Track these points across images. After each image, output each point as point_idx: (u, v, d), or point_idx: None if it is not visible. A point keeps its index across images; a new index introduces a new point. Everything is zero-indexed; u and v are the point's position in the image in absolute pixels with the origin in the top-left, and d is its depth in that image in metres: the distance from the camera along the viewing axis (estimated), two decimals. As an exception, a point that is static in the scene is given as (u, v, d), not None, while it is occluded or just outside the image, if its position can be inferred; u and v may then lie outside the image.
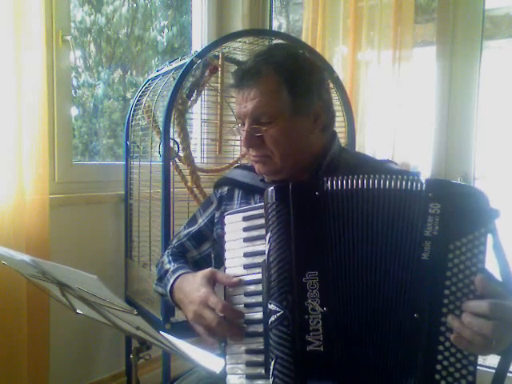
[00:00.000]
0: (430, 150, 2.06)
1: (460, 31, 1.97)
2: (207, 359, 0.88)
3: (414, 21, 2.02)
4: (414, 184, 0.80)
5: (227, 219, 0.93)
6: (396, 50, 2.02)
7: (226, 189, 1.16)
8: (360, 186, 0.82)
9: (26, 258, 0.79)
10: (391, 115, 2.04)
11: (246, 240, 0.90)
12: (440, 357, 0.76)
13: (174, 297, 1.05)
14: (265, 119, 0.96)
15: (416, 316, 0.78)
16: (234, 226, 0.92)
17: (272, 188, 0.85)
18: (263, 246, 0.86)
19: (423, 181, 0.81)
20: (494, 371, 0.82)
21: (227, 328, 0.86)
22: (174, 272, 1.07)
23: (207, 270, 0.94)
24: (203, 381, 1.07)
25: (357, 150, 1.94)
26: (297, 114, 0.97)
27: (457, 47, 1.98)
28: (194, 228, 1.20)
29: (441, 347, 0.76)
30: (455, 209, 0.78)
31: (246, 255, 0.89)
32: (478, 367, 0.77)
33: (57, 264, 0.76)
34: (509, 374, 0.80)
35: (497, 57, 2.09)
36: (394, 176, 0.82)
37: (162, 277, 1.13)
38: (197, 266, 1.14)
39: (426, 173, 2.07)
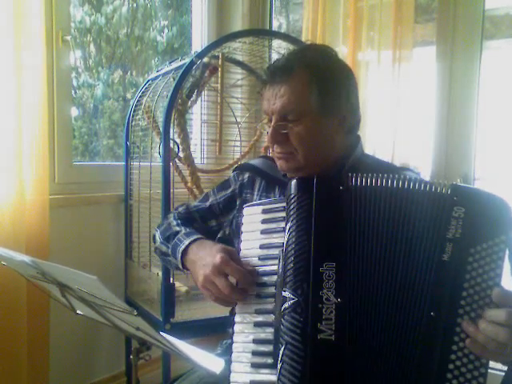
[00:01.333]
0: (430, 150, 2.05)
1: (460, 31, 1.97)
2: (207, 359, 0.88)
3: (414, 21, 2.02)
4: (439, 188, 0.82)
5: (246, 211, 0.95)
6: (396, 50, 2.01)
7: (246, 175, 1.17)
8: (384, 185, 0.84)
9: (26, 258, 0.79)
10: (391, 115, 2.04)
11: (263, 232, 0.92)
12: (453, 356, 0.77)
13: (187, 259, 1.04)
14: (292, 116, 0.97)
15: (432, 314, 0.79)
16: (253, 218, 0.94)
17: (296, 179, 0.87)
18: (280, 239, 0.88)
19: (449, 185, 0.82)
20: (503, 374, 0.83)
21: (239, 295, 0.88)
22: (187, 235, 1.08)
23: (229, 247, 0.96)
24: (203, 380, 1.07)
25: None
26: (324, 114, 0.98)
27: (457, 47, 1.98)
28: (205, 205, 1.22)
29: (454, 347, 0.77)
30: (478, 214, 0.80)
31: (262, 247, 0.91)
32: (488, 370, 0.77)
33: (57, 265, 0.76)
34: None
35: (497, 57, 2.08)
36: (420, 178, 0.85)
37: (169, 237, 1.13)
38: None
39: (426, 173, 2.06)
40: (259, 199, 1.12)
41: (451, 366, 0.77)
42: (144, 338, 0.86)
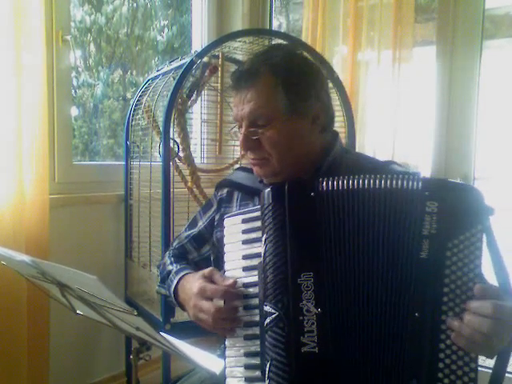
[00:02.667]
0: (430, 150, 2.05)
1: (460, 31, 1.97)
2: (207, 360, 0.88)
3: (414, 20, 2.02)
4: (411, 183, 0.80)
5: (226, 222, 0.93)
6: (396, 50, 2.01)
7: (225, 191, 1.15)
8: (356, 187, 0.82)
9: (26, 258, 0.79)
10: (391, 115, 2.04)
11: (244, 242, 0.90)
12: (442, 355, 0.76)
13: (179, 297, 1.05)
14: (262, 121, 0.95)
15: (417, 315, 0.78)
16: (233, 229, 0.92)
17: (268, 189, 0.85)
18: (262, 248, 0.86)
19: (419, 180, 0.80)
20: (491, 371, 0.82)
21: (225, 315, 0.87)
22: (177, 273, 1.08)
23: (207, 269, 0.95)
24: (205, 382, 1.07)
25: (357, 150, 1.94)
26: (294, 116, 0.95)
27: (457, 47, 1.98)
28: (195, 230, 1.20)
29: (442, 345, 0.76)
30: (452, 207, 0.78)
31: (245, 257, 0.89)
32: (478, 364, 0.77)
33: (56, 264, 0.76)
34: (509, 375, 0.80)
35: (497, 57, 2.08)
36: (390, 175, 0.81)
37: (164, 278, 1.13)
38: (197, 267, 1.13)
39: (426, 173, 2.06)
40: (239, 209, 1.09)
41: (441, 365, 0.76)
42: (144, 338, 0.86)
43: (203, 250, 1.19)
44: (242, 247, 0.90)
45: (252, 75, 0.95)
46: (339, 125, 1.93)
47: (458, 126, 1.99)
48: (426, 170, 2.08)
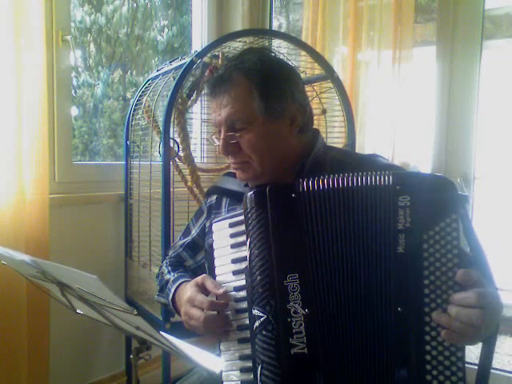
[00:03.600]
0: (430, 150, 2.06)
1: (460, 31, 1.97)
2: (207, 359, 0.88)
3: (414, 21, 2.02)
4: (382, 179, 0.81)
5: (215, 226, 0.94)
6: (396, 50, 2.02)
7: (214, 197, 1.16)
8: (334, 186, 0.82)
9: (26, 258, 0.79)
10: (391, 115, 2.04)
11: (233, 246, 0.90)
12: (428, 347, 0.77)
13: (176, 305, 1.07)
14: (239, 125, 0.96)
15: (400, 310, 0.79)
16: (222, 233, 0.92)
17: (250, 193, 0.86)
18: (247, 251, 0.86)
19: (390, 175, 0.81)
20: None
21: (215, 323, 0.88)
22: (174, 282, 1.09)
23: (199, 277, 0.96)
24: (205, 381, 1.08)
25: (357, 150, 1.94)
26: (271, 118, 0.96)
27: (457, 47, 1.98)
28: (188, 239, 1.21)
29: (427, 337, 0.77)
30: (424, 199, 0.79)
31: (234, 261, 0.90)
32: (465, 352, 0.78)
33: (57, 264, 0.76)
34: (501, 373, 0.81)
35: (497, 57, 2.08)
36: (364, 173, 0.82)
37: (163, 287, 1.14)
38: (194, 274, 1.13)
39: (425, 172, 2.07)
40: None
41: (428, 357, 0.77)
42: (144, 337, 0.86)
43: (198, 258, 1.20)
44: (231, 251, 0.91)
45: (226, 80, 0.96)
46: (339, 125, 1.93)
47: (458, 125, 1.99)
48: (426, 170, 2.09)
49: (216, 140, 1.03)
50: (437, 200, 0.78)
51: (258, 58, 0.98)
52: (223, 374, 0.88)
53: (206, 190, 1.83)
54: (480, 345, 0.83)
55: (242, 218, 0.89)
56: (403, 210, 0.79)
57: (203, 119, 2.03)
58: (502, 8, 2.06)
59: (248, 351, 0.86)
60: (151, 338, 0.83)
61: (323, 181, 0.83)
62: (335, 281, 0.81)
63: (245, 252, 0.88)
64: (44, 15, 1.56)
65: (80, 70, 2.16)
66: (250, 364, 0.86)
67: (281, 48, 1.83)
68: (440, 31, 2.01)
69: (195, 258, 1.20)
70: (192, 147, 1.84)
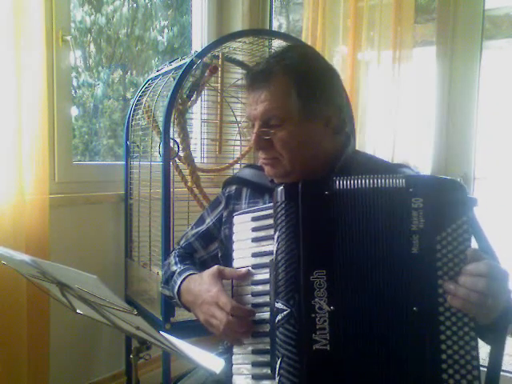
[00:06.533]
0: (430, 150, 2.05)
1: (460, 31, 1.97)
2: (207, 359, 0.88)
3: (414, 21, 2.02)
4: (396, 181, 0.82)
5: (236, 219, 0.94)
6: (396, 50, 2.01)
7: (233, 188, 1.15)
8: (364, 186, 0.84)
9: (26, 258, 0.79)
10: (391, 115, 2.04)
11: (254, 240, 0.91)
12: (443, 346, 0.78)
13: (182, 298, 1.05)
14: (274, 122, 0.96)
15: (415, 309, 0.80)
16: (243, 226, 0.93)
17: (282, 187, 0.86)
18: (272, 246, 0.87)
19: (403, 177, 0.83)
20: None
21: (236, 327, 0.87)
22: (180, 274, 1.07)
23: (213, 268, 0.95)
24: (205, 381, 1.07)
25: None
26: (306, 118, 0.96)
27: (457, 47, 1.98)
28: (202, 228, 1.20)
29: (443, 337, 0.78)
30: (436, 201, 0.81)
31: (255, 255, 0.91)
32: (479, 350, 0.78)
33: (57, 264, 0.76)
34: (509, 375, 0.80)
35: (497, 57, 2.09)
36: (380, 175, 0.84)
37: (168, 279, 1.13)
38: (204, 266, 1.13)
39: (425, 173, 2.06)
40: (247, 208, 1.09)
41: (444, 356, 0.78)
42: (144, 337, 0.86)
43: (211, 248, 1.18)
44: (252, 245, 0.91)
45: (266, 76, 0.96)
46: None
47: (458, 125, 1.99)
48: (426, 170, 2.09)
49: (250, 134, 1.03)
50: (448, 202, 0.80)
51: (299, 57, 0.99)
52: (233, 366, 0.88)
53: (206, 190, 1.84)
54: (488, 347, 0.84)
55: (266, 212, 0.90)
56: (416, 211, 0.81)
57: (203, 119, 2.03)
58: (502, 8, 2.06)
59: (261, 346, 0.87)
60: (151, 338, 0.83)
61: (356, 180, 0.84)
62: (360, 280, 0.82)
63: (266, 247, 0.89)
64: (44, 15, 1.56)
65: (80, 70, 2.16)
66: (262, 358, 0.86)
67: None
68: (440, 31, 2.00)
69: (207, 248, 1.18)
70: (192, 147, 1.85)
